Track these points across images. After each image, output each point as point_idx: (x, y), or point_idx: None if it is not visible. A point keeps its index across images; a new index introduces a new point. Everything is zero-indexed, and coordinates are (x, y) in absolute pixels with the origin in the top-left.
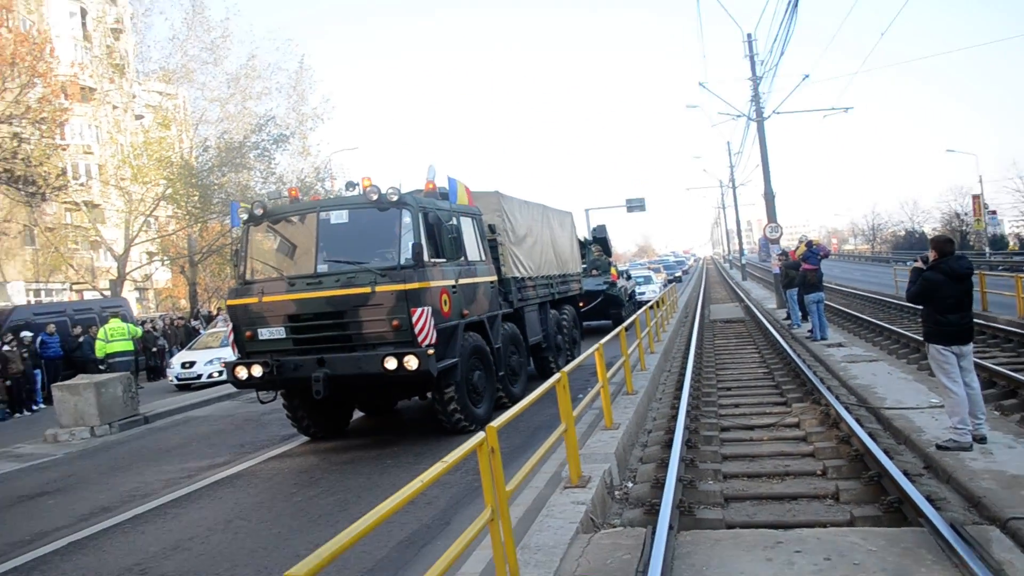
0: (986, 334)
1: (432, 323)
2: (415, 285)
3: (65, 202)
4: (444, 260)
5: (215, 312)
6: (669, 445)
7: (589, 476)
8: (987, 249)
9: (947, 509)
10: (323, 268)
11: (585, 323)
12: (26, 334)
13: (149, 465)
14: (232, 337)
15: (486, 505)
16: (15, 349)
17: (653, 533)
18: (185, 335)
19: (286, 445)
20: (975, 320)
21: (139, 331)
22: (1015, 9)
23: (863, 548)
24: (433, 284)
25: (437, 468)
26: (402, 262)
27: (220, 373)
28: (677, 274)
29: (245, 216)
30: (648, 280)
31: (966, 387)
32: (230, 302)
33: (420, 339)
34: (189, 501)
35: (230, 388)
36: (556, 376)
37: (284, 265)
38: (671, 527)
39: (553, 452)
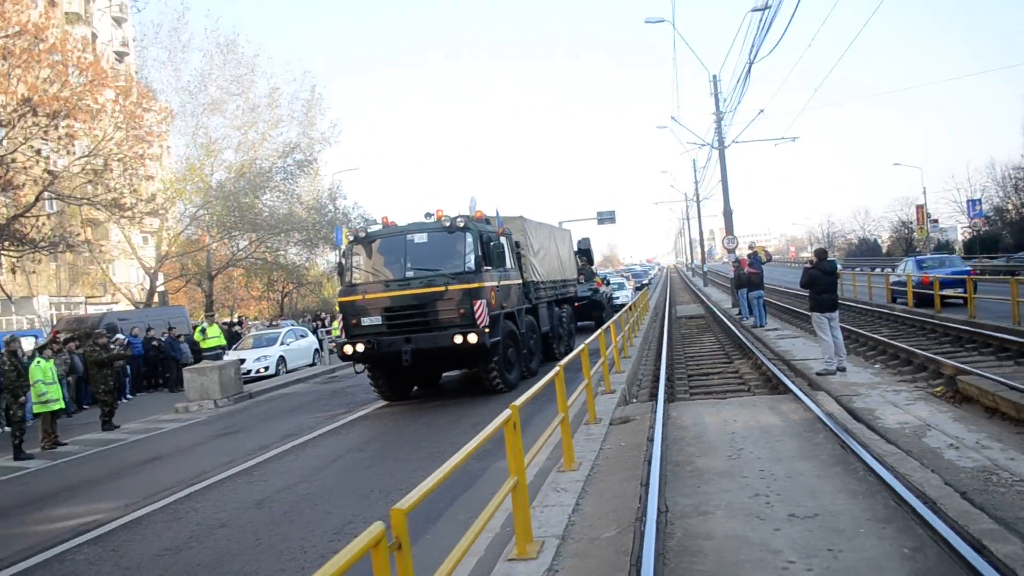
0: (884, 317)
1: (486, 311)
2: (476, 284)
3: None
4: (491, 268)
5: (237, 320)
6: (656, 380)
7: (616, 388)
8: (927, 254)
9: (807, 392)
10: (410, 274)
11: None
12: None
13: (288, 417)
14: (341, 324)
15: (560, 409)
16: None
17: (656, 402)
18: (229, 338)
19: (378, 404)
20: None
21: (220, 333)
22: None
23: (758, 400)
24: (486, 284)
25: (504, 415)
26: (466, 269)
27: (266, 368)
28: (644, 281)
29: (351, 238)
30: (622, 286)
31: (834, 339)
32: (341, 299)
33: (479, 322)
34: (344, 429)
35: (286, 378)
36: (580, 347)
37: (380, 272)
38: (666, 400)
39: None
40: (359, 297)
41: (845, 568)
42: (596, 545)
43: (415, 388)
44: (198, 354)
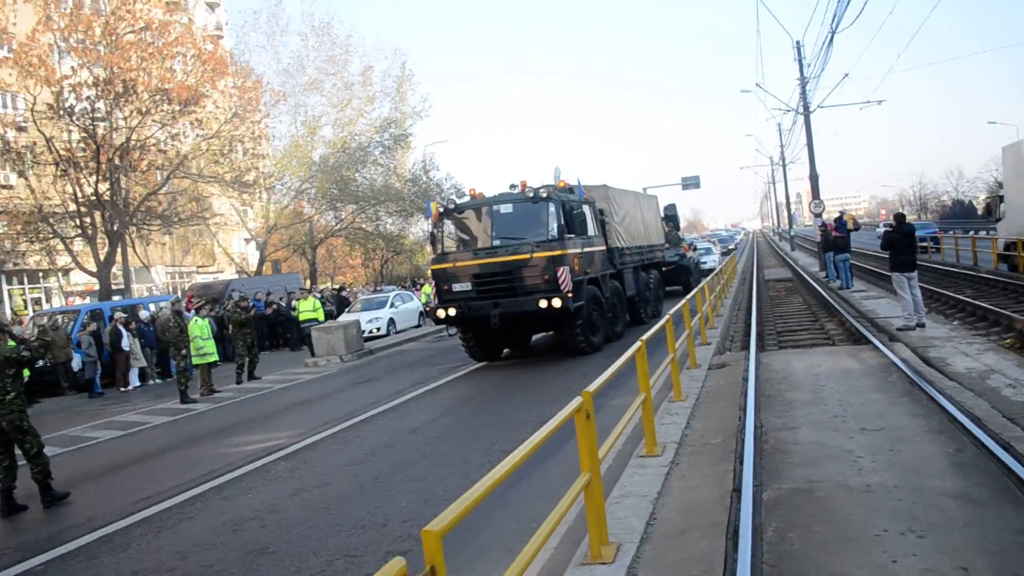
0: (968, 279)
1: (569, 277)
2: (559, 252)
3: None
4: (575, 236)
5: (340, 287)
6: (748, 334)
7: (711, 341)
8: None
9: (886, 344)
10: (497, 242)
11: None
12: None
13: (412, 369)
14: (434, 290)
15: (670, 350)
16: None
17: (748, 351)
18: (337, 303)
19: (480, 364)
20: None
21: (320, 307)
22: None
23: (840, 350)
24: (569, 251)
25: (636, 346)
26: (550, 237)
27: (378, 329)
28: (730, 246)
29: (441, 210)
30: (709, 251)
31: (913, 297)
32: (433, 267)
33: (562, 287)
34: (465, 378)
35: (397, 338)
36: (681, 303)
37: (468, 241)
38: (758, 349)
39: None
40: (450, 265)
41: (901, 460)
42: (706, 447)
43: (505, 351)
44: None
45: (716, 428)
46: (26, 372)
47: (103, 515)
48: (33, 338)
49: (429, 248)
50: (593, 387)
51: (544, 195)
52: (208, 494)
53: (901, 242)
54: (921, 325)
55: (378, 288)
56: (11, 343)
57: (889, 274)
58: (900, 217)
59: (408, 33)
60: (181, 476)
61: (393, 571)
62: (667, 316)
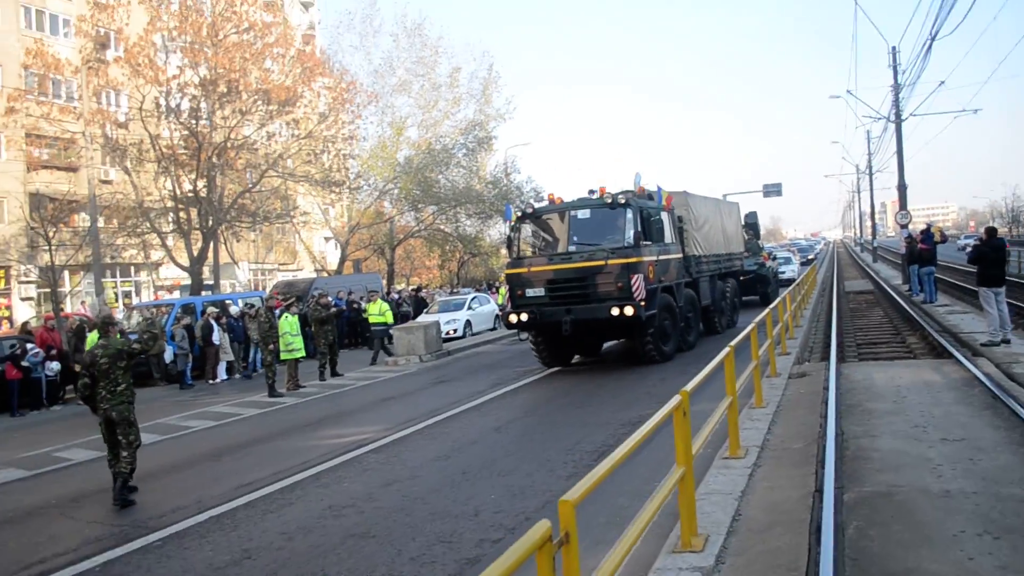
0: None
1: (643, 285)
2: (634, 259)
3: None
4: (651, 243)
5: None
6: (828, 345)
7: (791, 351)
8: None
9: (969, 358)
10: (572, 248)
11: None
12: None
13: (490, 371)
14: (508, 294)
15: (753, 357)
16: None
17: (828, 361)
18: (415, 304)
19: (555, 368)
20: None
21: (388, 311)
22: None
23: (922, 363)
24: (645, 259)
25: (725, 352)
26: (625, 244)
27: (455, 331)
28: (810, 256)
29: (519, 213)
30: (788, 261)
31: (999, 312)
32: (508, 271)
33: (635, 296)
34: (543, 381)
35: (474, 340)
36: (764, 312)
37: (544, 246)
38: (838, 360)
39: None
40: (525, 270)
41: (981, 469)
42: (788, 452)
43: (576, 357)
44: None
45: (797, 434)
46: None
47: (209, 498)
48: (138, 330)
49: (505, 251)
50: (690, 387)
51: (622, 201)
52: (305, 482)
53: (990, 256)
54: (1006, 341)
55: (455, 290)
56: (118, 336)
57: (975, 289)
58: (991, 231)
59: (496, 28)
60: (278, 465)
61: (539, 532)
62: (751, 325)
